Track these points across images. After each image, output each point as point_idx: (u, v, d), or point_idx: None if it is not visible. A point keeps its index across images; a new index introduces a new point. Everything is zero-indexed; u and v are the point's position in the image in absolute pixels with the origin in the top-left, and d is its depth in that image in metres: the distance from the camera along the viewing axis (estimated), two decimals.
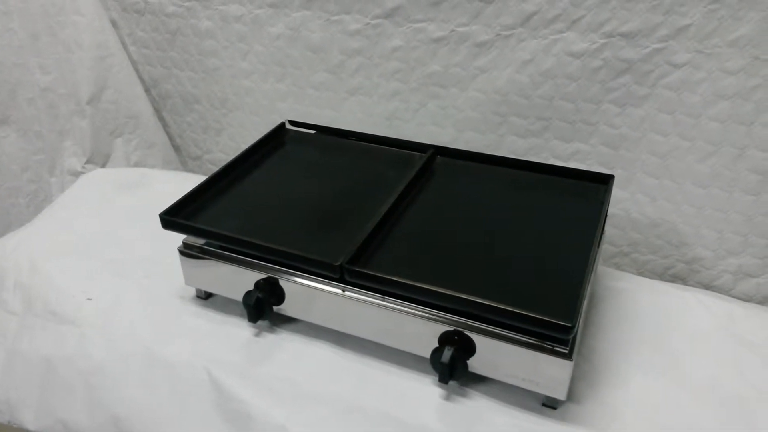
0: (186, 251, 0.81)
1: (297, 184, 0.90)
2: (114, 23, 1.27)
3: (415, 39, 1.02)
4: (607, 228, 0.96)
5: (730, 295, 0.97)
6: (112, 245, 0.97)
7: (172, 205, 0.81)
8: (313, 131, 1.04)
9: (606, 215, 0.81)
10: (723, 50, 0.86)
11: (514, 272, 0.72)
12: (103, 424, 0.76)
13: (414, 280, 0.67)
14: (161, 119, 1.37)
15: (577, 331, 0.64)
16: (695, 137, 0.93)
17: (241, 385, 0.73)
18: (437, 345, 0.69)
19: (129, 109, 1.30)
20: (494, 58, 0.99)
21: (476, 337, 0.67)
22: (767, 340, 0.80)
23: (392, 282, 0.68)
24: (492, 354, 0.68)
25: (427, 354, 0.69)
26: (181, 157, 1.41)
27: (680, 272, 1.04)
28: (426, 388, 0.72)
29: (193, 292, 0.87)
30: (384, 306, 0.71)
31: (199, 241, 0.81)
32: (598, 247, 0.77)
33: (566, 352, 0.64)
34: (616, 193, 1.00)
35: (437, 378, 0.69)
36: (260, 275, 0.76)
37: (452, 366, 0.67)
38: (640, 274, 1.05)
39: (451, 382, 0.70)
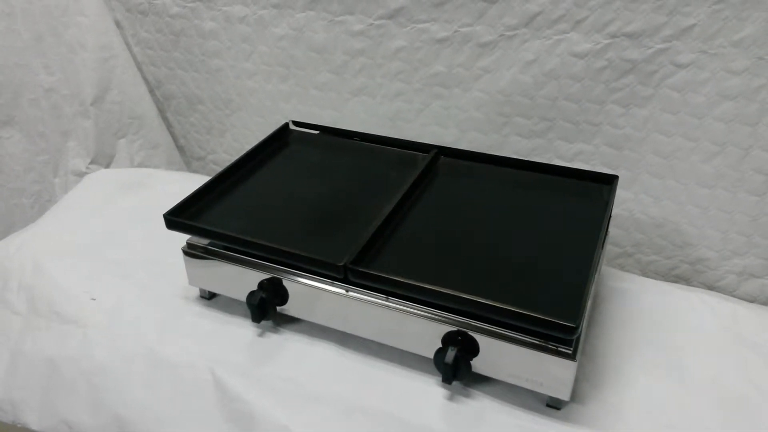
0: (190, 251, 0.81)
1: (300, 184, 0.90)
2: (118, 24, 1.27)
3: (419, 39, 1.02)
4: (611, 228, 0.96)
5: (734, 296, 0.97)
6: (115, 246, 0.97)
7: (176, 205, 0.81)
8: (316, 132, 1.04)
9: (610, 216, 0.81)
10: (727, 50, 0.85)
11: (517, 273, 0.72)
12: (107, 424, 0.76)
13: (417, 280, 0.67)
14: (165, 120, 1.37)
15: (581, 332, 0.64)
16: (699, 137, 0.92)
17: (245, 385, 0.73)
18: (441, 345, 0.69)
19: (133, 109, 1.31)
20: (498, 58, 0.99)
21: (480, 338, 0.67)
22: None
23: (396, 282, 0.68)
24: (495, 354, 0.67)
25: (431, 354, 0.69)
26: (184, 157, 1.41)
27: (684, 273, 1.03)
28: (429, 389, 0.72)
29: (196, 292, 0.87)
30: (387, 306, 0.71)
31: (203, 242, 0.81)
32: (602, 247, 0.77)
33: (570, 352, 0.64)
34: (620, 193, 1.00)
35: (441, 378, 0.69)
36: (264, 275, 0.77)
37: (456, 366, 0.67)
38: (644, 274, 1.05)
39: (454, 383, 0.70)
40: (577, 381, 0.69)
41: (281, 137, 1.02)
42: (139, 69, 1.31)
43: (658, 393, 0.72)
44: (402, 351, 0.74)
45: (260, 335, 0.80)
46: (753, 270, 0.98)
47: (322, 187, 0.89)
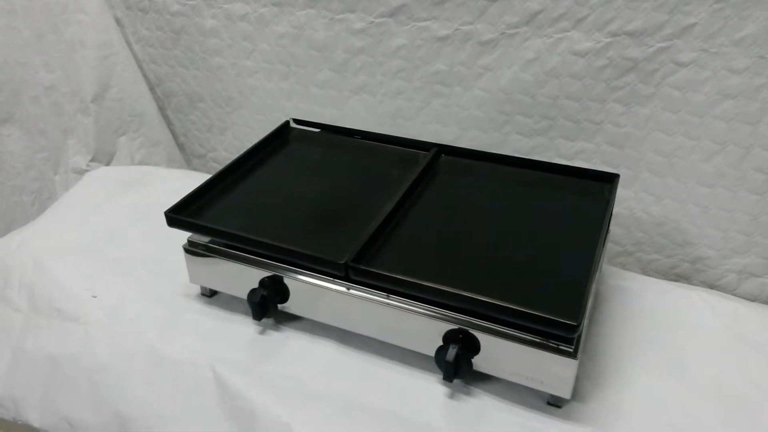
0: (191, 249, 0.81)
1: (301, 182, 0.90)
2: (118, 21, 1.27)
3: (420, 38, 1.02)
4: (611, 227, 0.96)
5: (734, 295, 0.97)
6: (116, 243, 0.97)
7: (177, 203, 0.81)
8: (317, 130, 1.04)
9: (611, 214, 0.81)
10: (728, 49, 0.85)
11: (518, 271, 0.72)
12: (108, 421, 0.76)
13: (418, 278, 0.67)
14: (165, 117, 1.37)
15: (581, 330, 0.64)
16: (700, 136, 0.92)
17: (246, 382, 0.73)
18: (442, 343, 0.69)
19: (133, 107, 1.31)
20: (499, 56, 0.99)
21: (481, 336, 0.67)
22: None
23: (397, 280, 0.68)
24: (496, 352, 0.67)
25: (432, 352, 0.69)
26: (185, 155, 1.41)
27: (685, 271, 1.04)
28: (430, 387, 0.72)
29: (197, 289, 0.87)
30: (388, 304, 0.71)
31: (204, 239, 0.81)
32: (603, 246, 0.77)
33: (571, 350, 0.64)
34: (621, 192, 1.00)
35: (442, 376, 0.69)
36: (265, 273, 0.77)
37: (457, 364, 0.67)
38: (645, 273, 1.05)
39: (455, 381, 0.70)
40: (577, 379, 0.69)
41: (282, 135, 1.02)
42: (140, 66, 1.31)
43: (658, 391, 0.72)
44: (403, 349, 0.74)
45: (261, 333, 0.80)
46: (753, 269, 0.98)
47: (322, 185, 0.89)
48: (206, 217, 0.81)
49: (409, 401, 0.70)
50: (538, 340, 0.65)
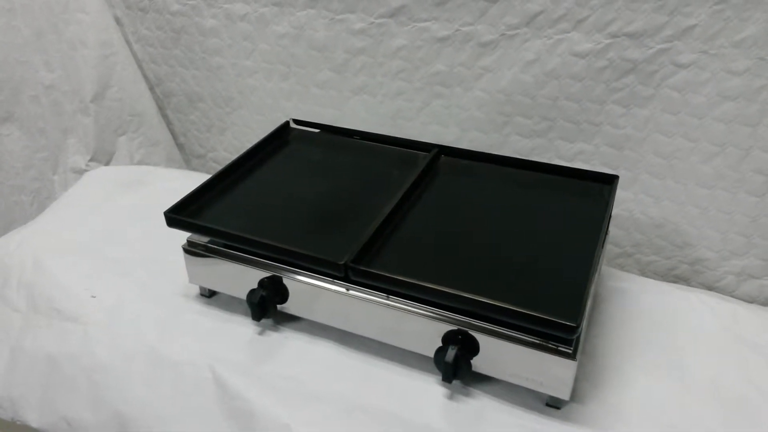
0: (190, 249, 0.81)
1: (301, 182, 0.90)
2: (118, 21, 1.27)
3: (420, 38, 1.02)
4: (610, 228, 0.96)
5: (733, 296, 0.97)
6: (115, 243, 0.97)
7: (177, 203, 0.81)
8: (317, 130, 1.04)
9: (610, 216, 0.81)
10: (728, 51, 0.86)
11: (518, 272, 0.72)
12: (107, 421, 0.76)
13: (418, 279, 0.67)
14: (165, 117, 1.37)
15: (581, 331, 0.64)
16: (700, 138, 0.93)
17: (245, 383, 0.73)
18: (441, 344, 0.69)
19: (133, 107, 1.30)
20: (499, 57, 0.99)
21: (480, 337, 0.67)
22: None
23: (396, 281, 0.68)
24: (495, 353, 0.67)
25: (431, 353, 0.69)
26: (184, 155, 1.41)
27: (683, 273, 1.04)
28: (429, 387, 0.72)
29: (196, 290, 0.87)
30: (388, 305, 0.71)
31: (204, 239, 0.81)
32: (602, 247, 0.77)
33: (570, 352, 0.64)
34: (620, 193, 1.00)
35: (441, 377, 0.69)
36: (264, 273, 0.77)
37: (456, 365, 0.67)
38: (644, 274, 1.05)
39: (454, 382, 0.70)
40: (577, 380, 0.70)
41: (282, 135, 1.02)
42: (140, 66, 1.31)
43: (658, 393, 0.72)
44: (402, 350, 0.74)
45: (260, 333, 0.80)
46: (752, 271, 0.98)
47: (322, 186, 0.89)
48: (206, 218, 0.81)
49: (408, 402, 0.70)
50: (538, 342, 0.65)
